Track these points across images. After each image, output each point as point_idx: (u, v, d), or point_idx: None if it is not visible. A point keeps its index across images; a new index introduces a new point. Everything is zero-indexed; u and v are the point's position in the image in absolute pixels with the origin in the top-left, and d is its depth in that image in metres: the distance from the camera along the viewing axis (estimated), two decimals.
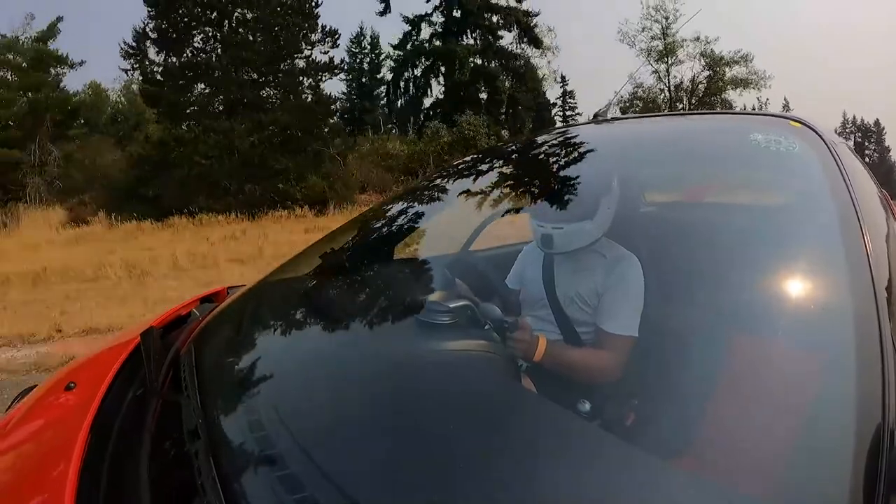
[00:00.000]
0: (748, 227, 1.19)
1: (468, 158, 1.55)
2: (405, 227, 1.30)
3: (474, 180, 1.40)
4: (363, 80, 27.89)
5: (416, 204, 1.39)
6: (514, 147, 1.47)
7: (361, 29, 28.61)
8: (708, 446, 0.60)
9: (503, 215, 1.80)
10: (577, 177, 1.13)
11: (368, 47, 28.70)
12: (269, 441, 0.59)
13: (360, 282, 1.09)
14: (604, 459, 0.56)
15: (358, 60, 28.59)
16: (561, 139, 1.34)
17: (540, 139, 1.39)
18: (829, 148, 0.85)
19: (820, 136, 0.89)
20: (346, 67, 23.30)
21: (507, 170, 1.39)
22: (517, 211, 1.68)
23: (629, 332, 1.00)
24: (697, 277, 0.92)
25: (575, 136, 1.36)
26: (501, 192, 1.29)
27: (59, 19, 18.33)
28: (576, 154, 1.26)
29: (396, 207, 1.36)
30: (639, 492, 0.49)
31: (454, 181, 1.45)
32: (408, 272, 1.25)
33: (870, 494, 0.42)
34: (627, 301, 1.03)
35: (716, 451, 0.59)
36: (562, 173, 1.19)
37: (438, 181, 1.44)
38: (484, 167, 1.47)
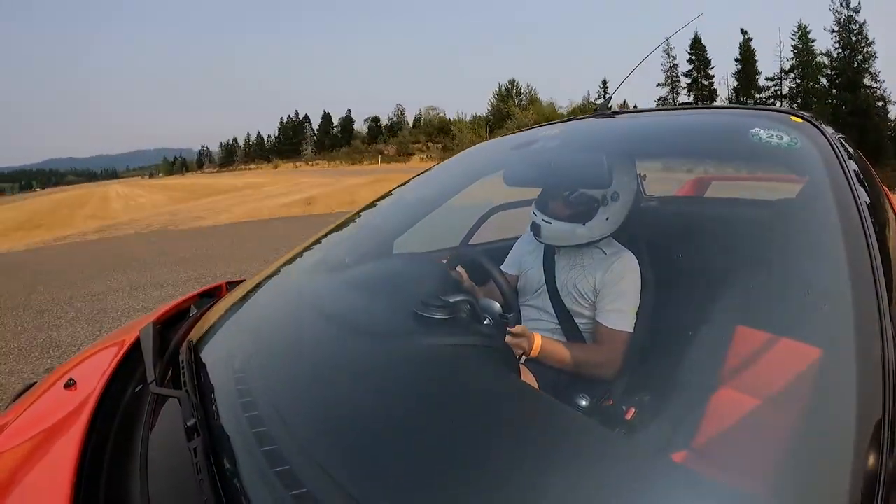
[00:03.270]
0: (749, 221, 1.19)
1: (469, 151, 1.54)
2: (404, 220, 1.29)
3: (475, 173, 1.40)
4: None
5: (415, 197, 1.38)
6: (514, 140, 1.46)
7: None
8: (709, 440, 0.60)
9: (503, 209, 1.80)
10: (577, 177, 1.12)
11: None
12: (268, 437, 0.59)
13: (359, 276, 1.08)
14: (602, 454, 0.55)
15: None
16: (564, 133, 1.33)
17: (542, 133, 1.38)
18: (830, 142, 0.85)
19: (821, 130, 0.89)
20: None
21: (508, 163, 1.37)
22: (517, 205, 1.68)
23: (625, 328, 1.02)
24: (698, 271, 0.92)
25: (578, 131, 1.35)
26: (501, 186, 1.28)
27: None
28: (578, 150, 1.25)
29: (395, 201, 1.36)
30: (636, 487, 0.49)
31: (454, 174, 1.44)
32: (407, 266, 1.24)
33: (870, 490, 0.42)
34: (624, 298, 1.05)
35: (717, 444, 0.59)
36: (561, 170, 1.18)
37: (437, 175, 1.43)
38: (485, 160, 1.46)
